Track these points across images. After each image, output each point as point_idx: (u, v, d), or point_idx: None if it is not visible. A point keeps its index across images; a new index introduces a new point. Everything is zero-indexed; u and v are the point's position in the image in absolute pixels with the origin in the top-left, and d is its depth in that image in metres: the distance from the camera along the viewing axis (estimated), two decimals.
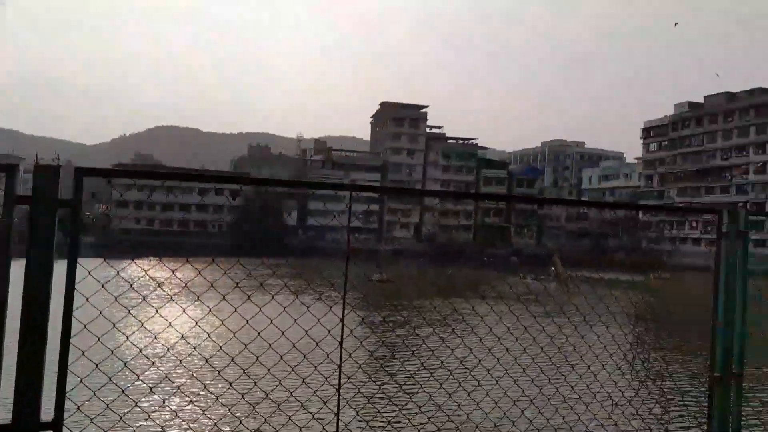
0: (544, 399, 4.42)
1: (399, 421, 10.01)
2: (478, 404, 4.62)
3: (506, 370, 4.41)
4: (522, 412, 4.37)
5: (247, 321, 3.39)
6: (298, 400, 3.89)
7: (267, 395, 4.41)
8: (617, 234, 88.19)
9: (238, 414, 5.24)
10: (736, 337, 3.17)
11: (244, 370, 3.41)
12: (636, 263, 63.12)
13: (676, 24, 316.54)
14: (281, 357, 3.70)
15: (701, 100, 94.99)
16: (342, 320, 3.07)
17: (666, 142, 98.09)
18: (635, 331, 18.73)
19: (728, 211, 3.27)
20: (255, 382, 3.65)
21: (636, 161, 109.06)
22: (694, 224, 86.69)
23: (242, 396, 3.64)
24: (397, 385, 12.70)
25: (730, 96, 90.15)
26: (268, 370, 3.80)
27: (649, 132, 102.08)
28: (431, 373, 7.05)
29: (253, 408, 4.10)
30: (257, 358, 3.83)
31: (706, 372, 3.27)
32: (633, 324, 18.21)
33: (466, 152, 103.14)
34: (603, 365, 4.98)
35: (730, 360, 3.17)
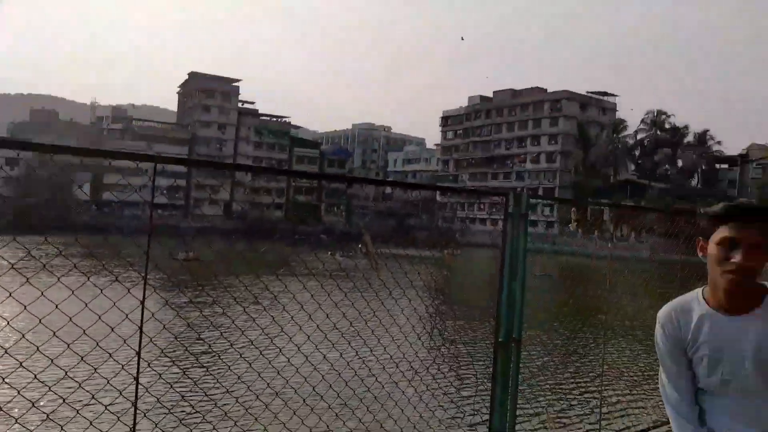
0: (352, 372, 4.60)
1: (204, 407, 9.68)
2: (287, 381, 4.64)
3: (316, 346, 4.49)
4: (330, 385, 4.49)
5: (25, 307, 2.97)
6: (88, 392, 3.53)
7: (50, 388, 3.94)
8: (418, 214, 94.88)
9: (14, 412, 4.58)
10: (517, 307, 3.60)
11: (21, 363, 2.99)
12: (434, 241, 68.56)
13: (462, 38, 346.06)
14: (68, 345, 3.31)
15: (492, 95, 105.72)
16: (142, 302, 2.83)
17: (461, 131, 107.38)
18: (434, 304, 20.38)
19: (513, 194, 3.68)
20: (35, 375, 3.23)
21: (435, 147, 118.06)
22: (482, 206, 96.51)
23: (18, 392, 3.19)
24: (203, 368, 12.26)
25: (514, 92, 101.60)
26: (52, 361, 3.39)
27: (446, 121, 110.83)
28: (240, 354, 6.92)
29: (33, 404, 3.62)
30: (38, 348, 3.39)
31: (492, 338, 3.66)
32: (432, 297, 19.80)
33: (280, 130, 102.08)
34: (406, 336, 5.32)
35: (511, 328, 3.59)
